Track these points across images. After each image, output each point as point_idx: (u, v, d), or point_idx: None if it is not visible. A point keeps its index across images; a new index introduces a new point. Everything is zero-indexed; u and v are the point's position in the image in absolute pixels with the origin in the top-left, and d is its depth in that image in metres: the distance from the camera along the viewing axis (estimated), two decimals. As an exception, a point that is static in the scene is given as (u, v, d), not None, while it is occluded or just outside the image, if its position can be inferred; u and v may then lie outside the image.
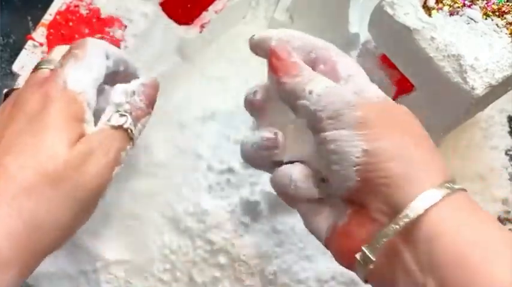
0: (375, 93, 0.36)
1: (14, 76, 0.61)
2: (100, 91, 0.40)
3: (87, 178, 0.36)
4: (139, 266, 0.52)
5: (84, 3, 0.50)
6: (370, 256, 0.32)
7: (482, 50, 0.40)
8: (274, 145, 0.38)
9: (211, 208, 0.52)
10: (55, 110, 0.36)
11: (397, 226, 0.31)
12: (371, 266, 0.33)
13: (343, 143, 0.34)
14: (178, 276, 0.51)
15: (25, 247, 0.34)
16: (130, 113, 0.39)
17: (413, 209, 0.31)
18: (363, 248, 0.33)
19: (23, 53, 0.49)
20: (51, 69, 0.39)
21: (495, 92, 0.41)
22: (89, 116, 0.38)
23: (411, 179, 0.32)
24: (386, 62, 0.49)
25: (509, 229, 0.56)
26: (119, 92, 0.40)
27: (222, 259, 0.51)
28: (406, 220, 0.31)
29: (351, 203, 0.35)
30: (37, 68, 0.40)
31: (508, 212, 0.57)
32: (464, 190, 0.33)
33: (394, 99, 0.49)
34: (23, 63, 0.49)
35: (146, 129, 0.56)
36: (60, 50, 0.41)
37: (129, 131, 0.38)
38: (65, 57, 0.39)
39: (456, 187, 0.32)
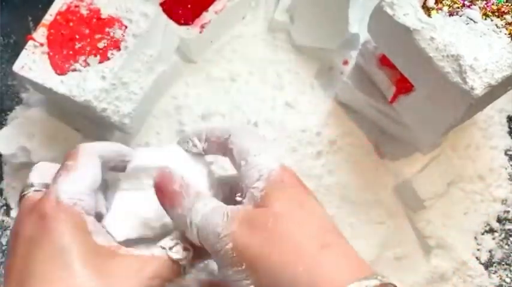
0: (255, 191, 0.33)
1: (14, 76, 0.61)
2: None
3: None
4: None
5: (85, 3, 0.50)
6: None
7: (482, 50, 0.40)
8: None
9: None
10: (56, 230, 0.33)
11: None
12: None
13: (234, 281, 0.31)
14: None
15: None
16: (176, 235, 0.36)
17: None
18: None
19: (24, 53, 0.49)
20: (45, 189, 0.37)
21: (494, 92, 0.41)
22: (92, 225, 0.35)
23: None
24: (386, 62, 0.49)
25: (509, 229, 0.57)
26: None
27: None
28: None
29: None
30: (23, 196, 0.37)
31: (508, 212, 0.57)
32: (387, 282, 0.29)
33: (394, 99, 0.49)
34: (24, 64, 0.49)
35: (146, 129, 0.56)
36: (39, 168, 0.39)
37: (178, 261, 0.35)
38: (58, 171, 0.37)
39: (374, 281, 0.28)
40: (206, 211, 0.33)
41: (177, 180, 0.35)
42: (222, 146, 0.38)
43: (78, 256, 0.32)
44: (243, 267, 0.31)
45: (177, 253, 0.35)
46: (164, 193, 0.35)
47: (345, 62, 0.58)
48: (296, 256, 0.30)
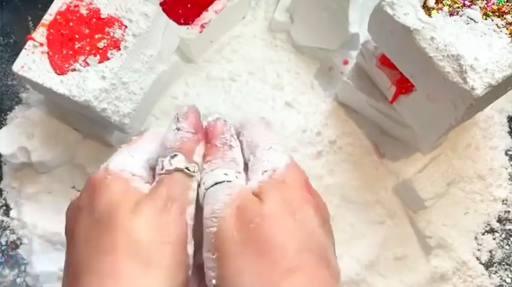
0: (258, 174, 0.34)
1: (13, 76, 0.61)
2: None
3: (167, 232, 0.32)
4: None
5: (84, 3, 0.50)
6: None
7: (482, 50, 0.40)
8: None
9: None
10: (101, 195, 0.33)
11: None
12: None
13: (206, 268, 0.31)
14: None
15: None
16: (180, 149, 0.36)
17: None
18: None
19: (23, 53, 0.49)
20: None
21: (495, 92, 0.41)
22: (138, 182, 0.34)
23: None
24: (386, 62, 0.49)
25: (509, 229, 0.57)
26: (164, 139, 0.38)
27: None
28: None
29: None
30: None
31: (508, 212, 0.57)
32: None
33: (394, 99, 0.49)
34: (23, 63, 0.49)
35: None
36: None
37: (185, 170, 0.34)
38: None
39: None
40: (220, 179, 0.34)
41: (227, 136, 0.36)
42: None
43: (123, 214, 0.32)
44: (214, 256, 0.30)
45: (167, 165, 0.35)
46: (209, 138, 0.36)
47: (345, 62, 0.58)
48: (259, 273, 0.29)
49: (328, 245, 0.32)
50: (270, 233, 0.30)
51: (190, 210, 0.34)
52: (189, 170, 0.35)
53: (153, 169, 0.36)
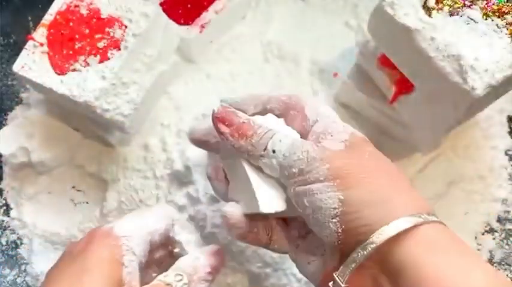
0: (340, 136, 0.35)
1: (14, 76, 0.61)
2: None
3: None
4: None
5: (85, 3, 0.50)
6: (339, 282, 0.32)
7: (482, 51, 0.40)
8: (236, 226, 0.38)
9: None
10: (92, 251, 0.36)
11: (364, 251, 0.31)
12: None
13: (317, 195, 0.33)
14: None
15: None
16: (190, 276, 0.38)
17: (379, 236, 0.31)
18: (334, 275, 0.33)
19: (23, 53, 0.49)
20: None
21: (495, 92, 0.41)
22: (130, 262, 0.36)
23: (389, 222, 0.32)
24: (386, 62, 0.49)
25: (509, 229, 0.57)
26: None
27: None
28: (373, 245, 0.31)
29: (337, 249, 0.35)
30: None
31: (508, 212, 0.57)
32: (441, 223, 0.33)
33: (394, 99, 0.49)
34: (23, 63, 0.49)
35: (146, 129, 0.56)
36: None
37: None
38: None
39: (432, 218, 0.32)
40: (290, 140, 0.35)
41: (242, 115, 0.37)
42: (286, 106, 0.39)
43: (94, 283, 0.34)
44: (336, 182, 0.33)
45: (170, 279, 0.37)
46: (231, 124, 0.36)
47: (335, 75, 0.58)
48: (390, 186, 0.33)
49: None
50: (380, 163, 0.35)
51: None
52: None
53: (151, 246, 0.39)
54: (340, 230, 0.33)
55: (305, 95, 0.39)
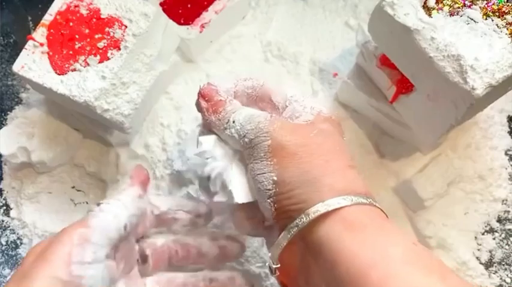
0: (306, 117, 0.37)
1: (13, 76, 0.61)
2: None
3: None
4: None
5: (85, 3, 0.50)
6: (271, 263, 0.34)
7: (482, 51, 0.40)
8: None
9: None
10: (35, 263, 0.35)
11: (288, 235, 0.33)
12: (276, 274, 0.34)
13: (259, 174, 0.35)
14: None
15: None
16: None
17: (302, 218, 0.33)
18: (268, 257, 0.35)
19: (23, 53, 0.49)
20: None
21: (495, 92, 0.41)
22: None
23: (316, 202, 0.33)
24: (386, 62, 0.49)
25: (509, 229, 0.57)
26: None
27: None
28: (295, 229, 0.33)
29: (277, 228, 0.36)
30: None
31: (508, 212, 0.57)
32: (373, 205, 0.34)
33: (394, 99, 0.49)
34: (23, 63, 0.49)
35: (146, 129, 0.56)
36: None
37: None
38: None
39: (359, 200, 0.33)
40: (250, 112, 0.37)
41: (223, 94, 0.39)
42: (253, 97, 0.40)
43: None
44: (273, 161, 0.34)
45: None
46: (210, 100, 0.39)
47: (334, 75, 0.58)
48: (324, 166, 0.34)
49: None
50: (327, 141, 0.36)
51: None
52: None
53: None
54: (273, 209, 0.34)
55: (272, 82, 0.41)
